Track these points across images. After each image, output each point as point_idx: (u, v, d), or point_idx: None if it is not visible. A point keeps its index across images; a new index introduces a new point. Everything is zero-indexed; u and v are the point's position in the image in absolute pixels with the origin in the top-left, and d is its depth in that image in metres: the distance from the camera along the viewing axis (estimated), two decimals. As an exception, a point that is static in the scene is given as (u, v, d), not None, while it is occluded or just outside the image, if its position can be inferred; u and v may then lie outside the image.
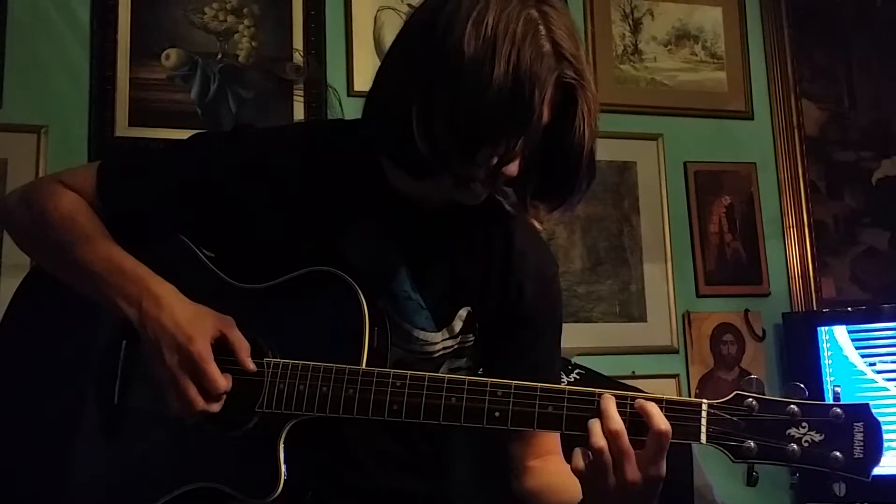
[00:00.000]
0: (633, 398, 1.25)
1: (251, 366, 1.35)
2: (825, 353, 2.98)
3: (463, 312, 1.45)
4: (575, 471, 1.26)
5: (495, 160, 1.27)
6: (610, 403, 1.24)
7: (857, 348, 2.95)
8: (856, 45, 3.55)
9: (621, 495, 1.22)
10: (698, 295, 3.24)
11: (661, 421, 1.22)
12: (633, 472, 1.21)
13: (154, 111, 2.83)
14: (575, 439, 1.27)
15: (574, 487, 1.30)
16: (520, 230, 1.50)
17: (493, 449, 1.57)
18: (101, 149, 2.74)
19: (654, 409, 1.23)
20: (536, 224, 1.52)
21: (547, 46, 1.24)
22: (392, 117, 1.30)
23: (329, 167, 1.45)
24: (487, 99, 1.22)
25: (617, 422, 1.22)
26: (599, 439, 1.22)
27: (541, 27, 1.25)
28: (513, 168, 1.29)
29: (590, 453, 1.24)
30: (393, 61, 1.36)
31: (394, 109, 1.30)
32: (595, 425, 1.23)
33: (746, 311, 3.26)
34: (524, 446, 1.51)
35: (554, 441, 1.52)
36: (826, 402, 1.21)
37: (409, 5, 3.05)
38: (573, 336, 2.96)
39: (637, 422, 1.23)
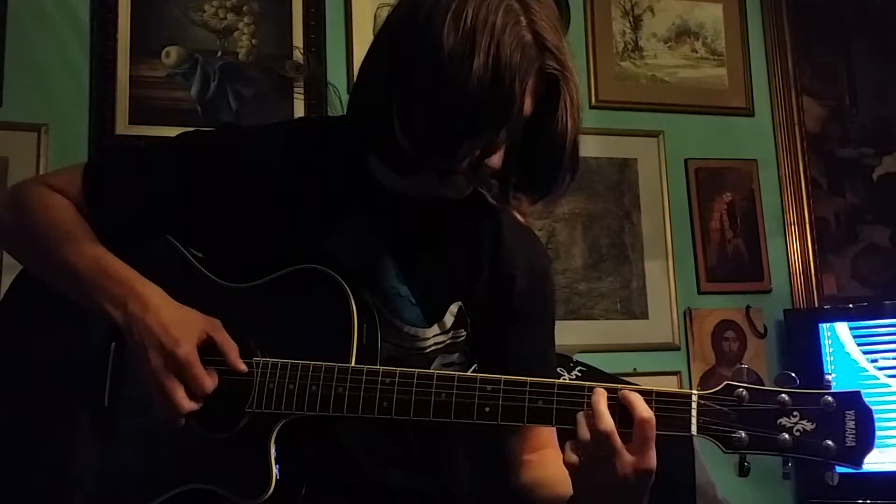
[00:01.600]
0: (619, 390, 1.24)
1: (242, 367, 1.34)
2: (827, 350, 2.97)
3: (454, 307, 1.45)
4: (566, 464, 1.25)
5: (478, 153, 1.25)
6: (601, 398, 1.23)
7: (858, 345, 2.94)
8: (856, 41, 3.54)
9: (611, 488, 1.22)
10: (699, 292, 3.23)
11: (643, 409, 1.21)
12: (622, 465, 1.20)
13: (154, 109, 2.83)
14: (573, 433, 1.26)
15: (570, 480, 1.29)
16: (510, 224, 1.49)
17: (488, 444, 1.56)
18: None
19: (636, 398, 1.22)
20: (520, 217, 1.51)
21: (528, 37, 1.23)
22: (374, 114, 1.29)
23: (315, 164, 1.44)
24: (468, 92, 1.20)
25: (607, 417, 1.21)
26: (587, 432, 1.22)
27: (521, 18, 1.23)
28: (496, 160, 1.28)
29: (579, 447, 1.23)
30: (374, 58, 1.35)
31: (375, 106, 1.29)
32: (582, 418, 1.23)
33: (748, 307, 3.24)
34: (519, 441, 1.51)
35: (549, 435, 1.51)
36: (817, 391, 1.20)
37: (408, 2, 3.04)
38: (574, 333, 2.98)
39: (625, 413, 1.22)
